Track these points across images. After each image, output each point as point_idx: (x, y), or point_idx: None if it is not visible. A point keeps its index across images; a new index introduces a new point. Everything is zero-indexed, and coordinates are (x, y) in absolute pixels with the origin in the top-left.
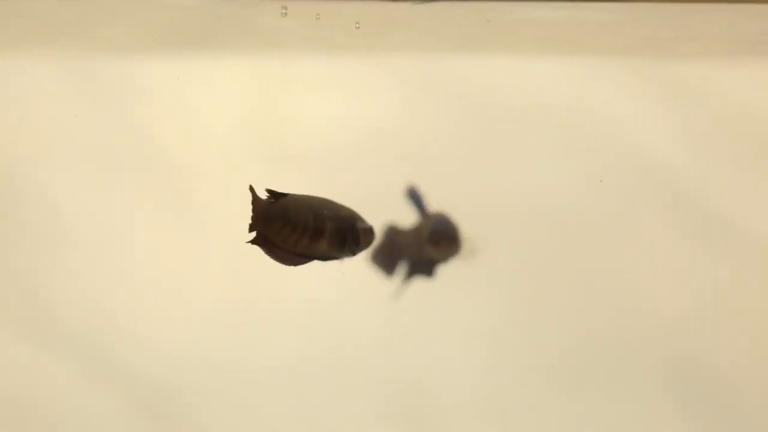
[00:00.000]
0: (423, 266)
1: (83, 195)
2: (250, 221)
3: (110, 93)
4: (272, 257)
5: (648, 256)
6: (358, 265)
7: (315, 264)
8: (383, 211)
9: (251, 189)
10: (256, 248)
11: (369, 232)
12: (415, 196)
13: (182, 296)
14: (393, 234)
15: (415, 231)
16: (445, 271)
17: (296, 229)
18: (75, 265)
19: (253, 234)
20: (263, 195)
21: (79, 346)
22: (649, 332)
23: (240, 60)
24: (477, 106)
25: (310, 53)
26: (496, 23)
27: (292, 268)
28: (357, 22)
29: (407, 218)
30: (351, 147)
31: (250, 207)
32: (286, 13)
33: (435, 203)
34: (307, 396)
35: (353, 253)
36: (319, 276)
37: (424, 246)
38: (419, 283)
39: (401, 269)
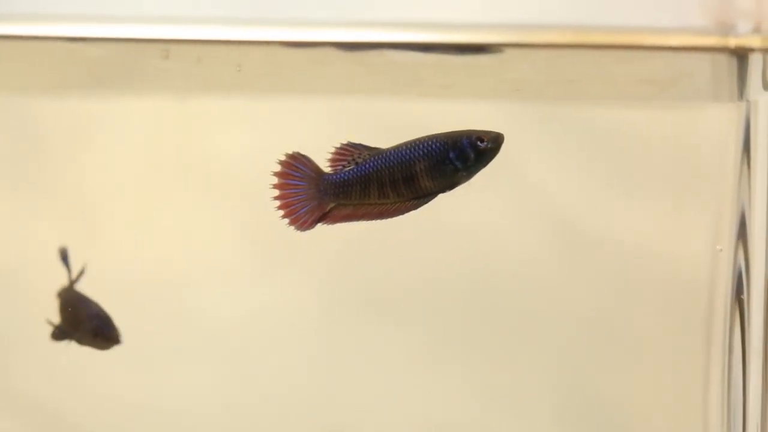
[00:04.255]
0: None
1: None
2: (316, 202)
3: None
4: (365, 219)
5: (537, 289)
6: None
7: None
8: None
9: (293, 167)
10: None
11: (476, 145)
12: (65, 258)
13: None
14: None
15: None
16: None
17: (384, 185)
18: None
19: (322, 213)
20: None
21: None
22: (538, 356)
23: (128, 101)
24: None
25: (196, 93)
26: (371, 66)
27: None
28: (238, 65)
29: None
30: (252, 181)
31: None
32: (167, 56)
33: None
34: None
35: (470, 172)
36: (233, 311)
37: (83, 333)
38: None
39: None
